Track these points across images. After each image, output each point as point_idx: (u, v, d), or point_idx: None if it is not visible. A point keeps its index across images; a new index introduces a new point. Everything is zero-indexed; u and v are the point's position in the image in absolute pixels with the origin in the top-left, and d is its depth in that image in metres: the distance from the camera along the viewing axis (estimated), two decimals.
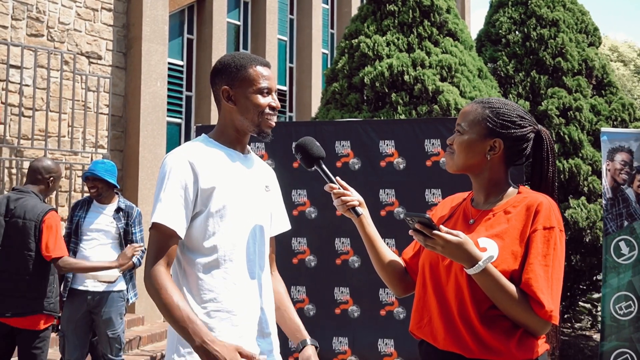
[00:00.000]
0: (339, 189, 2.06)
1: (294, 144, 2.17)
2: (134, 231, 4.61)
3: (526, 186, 2.00)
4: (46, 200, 4.13)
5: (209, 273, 1.98)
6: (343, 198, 2.05)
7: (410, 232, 1.81)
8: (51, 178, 4.04)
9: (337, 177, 2.09)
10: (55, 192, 7.25)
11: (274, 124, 2.11)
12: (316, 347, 2.16)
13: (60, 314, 4.12)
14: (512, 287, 1.76)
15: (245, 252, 2.04)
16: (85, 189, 7.36)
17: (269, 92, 2.08)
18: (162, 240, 1.94)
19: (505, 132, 1.90)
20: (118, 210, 4.58)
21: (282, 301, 2.24)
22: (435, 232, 1.76)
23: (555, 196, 1.96)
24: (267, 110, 2.07)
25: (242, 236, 2.04)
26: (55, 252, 3.87)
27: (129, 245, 4.40)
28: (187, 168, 1.98)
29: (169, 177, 1.97)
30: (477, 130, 1.91)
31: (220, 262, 2.00)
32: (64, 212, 7.26)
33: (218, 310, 1.97)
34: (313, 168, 2.12)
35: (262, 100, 2.07)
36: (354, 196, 2.06)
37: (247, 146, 2.17)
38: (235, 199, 2.03)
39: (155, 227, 1.95)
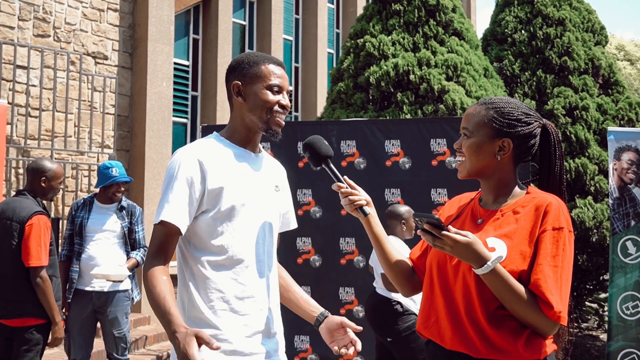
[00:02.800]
0: (346, 188, 2.05)
1: (300, 143, 2.17)
2: (137, 230, 4.62)
3: (532, 185, 1.99)
4: (46, 201, 4.02)
5: (216, 272, 1.98)
6: (351, 197, 2.03)
7: (419, 232, 1.81)
8: (43, 178, 3.85)
9: (345, 176, 2.07)
10: (61, 192, 7.28)
11: (283, 123, 2.08)
12: None
13: (60, 318, 4.02)
14: (520, 288, 1.76)
15: (254, 253, 2.04)
16: (92, 188, 7.39)
17: (279, 90, 2.06)
18: (166, 237, 1.94)
19: (512, 131, 1.89)
20: (121, 209, 4.59)
21: (290, 285, 2.23)
22: (444, 232, 1.75)
23: (564, 190, 1.96)
24: (277, 107, 2.05)
25: (251, 236, 2.03)
26: (34, 260, 3.67)
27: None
28: (196, 166, 1.98)
29: (177, 174, 1.97)
30: (485, 132, 1.90)
31: (229, 261, 1.99)
32: None
33: (225, 310, 1.97)
34: (320, 167, 2.11)
35: (272, 97, 2.04)
36: (362, 195, 2.05)
37: (259, 145, 2.16)
38: (244, 199, 2.02)
39: (162, 224, 1.95)
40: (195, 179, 1.97)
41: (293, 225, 2.30)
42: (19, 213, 3.74)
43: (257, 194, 2.07)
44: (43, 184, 3.88)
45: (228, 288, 1.98)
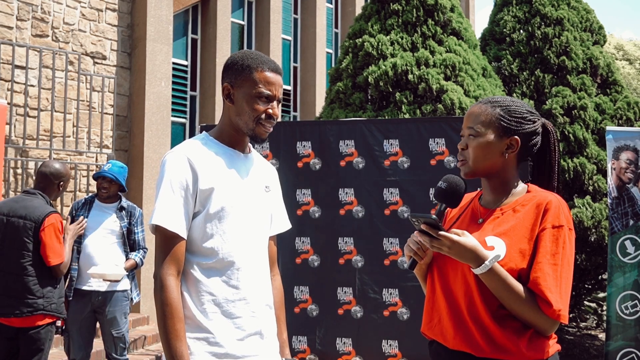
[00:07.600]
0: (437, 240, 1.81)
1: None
2: (136, 231, 4.63)
3: (532, 184, 1.99)
4: (52, 202, 4.09)
5: (207, 275, 1.96)
6: (421, 248, 1.88)
7: (416, 233, 1.80)
8: (61, 182, 4.01)
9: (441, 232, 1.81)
10: None
11: (270, 130, 2.06)
12: None
13: (64, 315, 4.06)
14: (519, 286, 1.76)
15: (245, 255, 2.02)
16: (90, 188, 7.38)
17: (269, 99, 2.01)
18: (165, 242, 1.93)
19: (520, 129, 1.89)
20: (121, 209, 4.60)
21: (276, 310, 2.20)
22: (441, 232, 1.75)
23: (560, 189, 1.97)
24: (263, 117, 2.01)
25: (242, 238, 2.01)
26: (56, 259, 3.82)
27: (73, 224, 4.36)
28: (187, 167, 1.95)
29: (169, 176, 1.95)
30: (493, 131, 1.88)
31: (219, 264, 1.97)
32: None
33: (216, 313, 1.96)
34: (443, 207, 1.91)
35: (260, 106, 2.00)
36: (428, 254, 1.92)
37: (249, 145, 2.14)
38: (234, 200, 2.00)
39: (157, 230, 1.94)
40: (188, 180, 1.95)
41: (286, 226, 2.27)
42: (32, 212, 3.80)
43: (247, 195, 2.05)
44: (60, 188, 4.02)
45: (219, 291, 1.96)
